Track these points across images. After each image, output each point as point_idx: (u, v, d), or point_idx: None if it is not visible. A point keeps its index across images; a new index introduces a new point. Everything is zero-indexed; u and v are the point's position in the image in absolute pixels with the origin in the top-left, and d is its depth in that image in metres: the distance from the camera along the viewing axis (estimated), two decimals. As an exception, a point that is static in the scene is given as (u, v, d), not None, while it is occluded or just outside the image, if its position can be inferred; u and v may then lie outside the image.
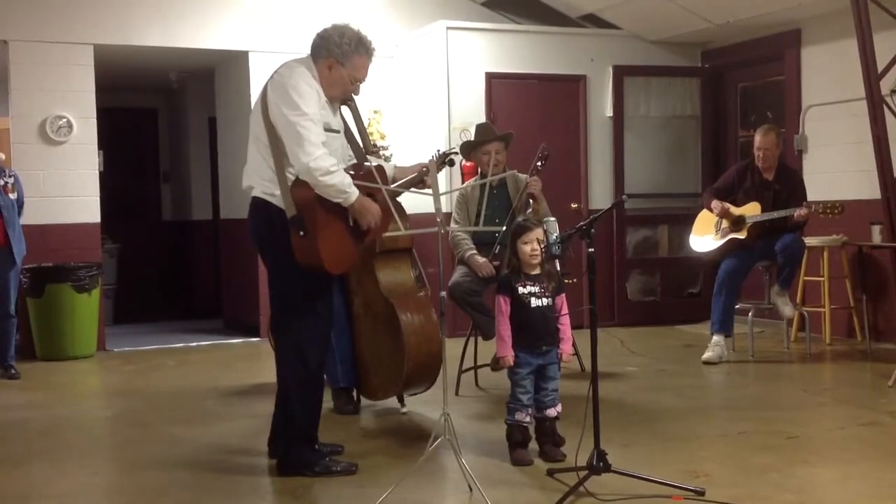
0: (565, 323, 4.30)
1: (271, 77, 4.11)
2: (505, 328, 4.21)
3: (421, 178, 4.48)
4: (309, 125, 3.92)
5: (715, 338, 6.75)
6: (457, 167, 7.93)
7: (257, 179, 4.10)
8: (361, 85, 4.26)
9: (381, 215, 4.13)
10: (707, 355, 6.69)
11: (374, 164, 4.37)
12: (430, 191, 3.93)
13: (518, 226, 4.33)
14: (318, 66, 4.11)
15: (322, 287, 4.17)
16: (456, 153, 4.83)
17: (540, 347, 4.23)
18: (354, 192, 4.00)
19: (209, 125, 10.40)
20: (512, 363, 4.21)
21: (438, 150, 4.60)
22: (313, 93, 4.01)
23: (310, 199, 3.96)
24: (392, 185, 4.36)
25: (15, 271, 6.95)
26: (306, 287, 4.10)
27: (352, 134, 4.47)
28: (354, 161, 4.37)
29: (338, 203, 4.01)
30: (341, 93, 4.20)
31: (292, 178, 3.98)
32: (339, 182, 3.95)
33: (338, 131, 4.20)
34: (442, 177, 7.41)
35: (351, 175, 4.10)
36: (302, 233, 3.94)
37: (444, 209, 4.07)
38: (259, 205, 4.11)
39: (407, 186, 4.48)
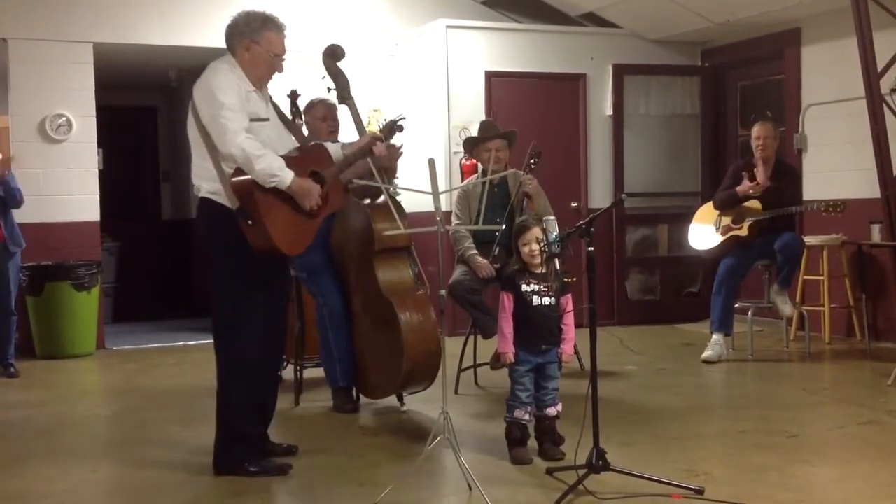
0: (569, 323, 4.29)
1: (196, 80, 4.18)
2: (507, 325, 4.22)
3: (370, 147, 4.45)
4: (228, 114, 3.98)
5: (714, 336, 6.75)
6: (456, 167, 8.05)
7: (199, 180, 4.17)
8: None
9: (325, 194, 4.13)
10: (706, 354, 6.69)
11: (312, 143, 4.36)
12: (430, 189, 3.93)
13: (517, 226, 4.36)
14: (238, 54, 4.20)
15: (261, 281, 4.15)
16: (404, 118, 4.81)
17: (539, 346, 4.23)
18: (288, 175, 4.00)
19: (209, 124, 10.37)
20: (513, 360, 4.21)
21: (385, 119, 4.55)
22: (232, 85, 4.08)
23: (246, 187, 3.98)
24: (341, 161, 4.34)
25: (14, 265, 6.93)
26: (246, 284, 4.11)
27: (291, 123, 4.53)
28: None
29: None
30: (267, 70, 4.24)
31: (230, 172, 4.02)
32: (267, 165, 3.97)
33: (266, 119, 4.21)
34: (441, 176, 7.42)
35: (295, 156, 4.15)
36: (249, 222, 3.97)
37: (444, 208, 4.06)
38: (202, 204, 4.17)
39: (355, 157, 4.45)
